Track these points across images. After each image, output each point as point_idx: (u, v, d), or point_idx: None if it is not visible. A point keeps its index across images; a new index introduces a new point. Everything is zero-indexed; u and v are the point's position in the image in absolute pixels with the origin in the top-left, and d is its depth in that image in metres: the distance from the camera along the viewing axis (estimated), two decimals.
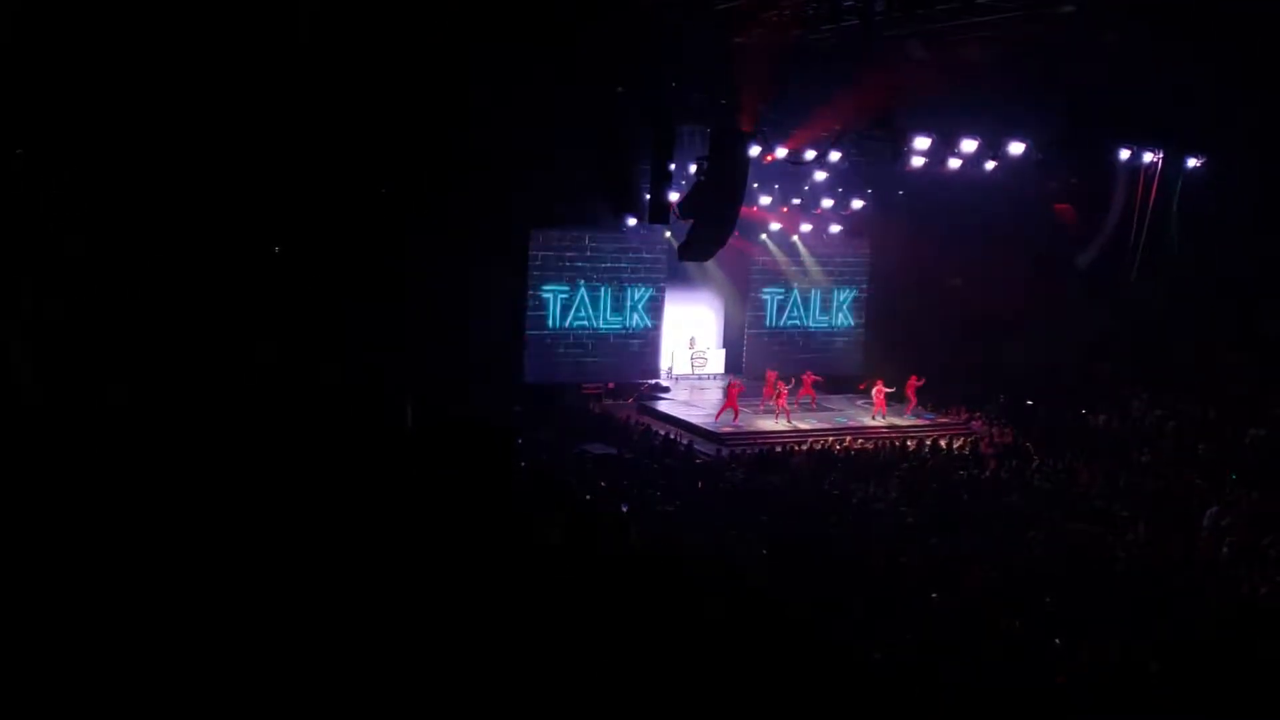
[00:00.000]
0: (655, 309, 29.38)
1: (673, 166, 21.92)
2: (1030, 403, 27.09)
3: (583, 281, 28.31)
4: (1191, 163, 22.83)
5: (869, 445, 23.87)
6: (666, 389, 29.10)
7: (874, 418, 26.66)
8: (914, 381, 27.07)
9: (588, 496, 16.60)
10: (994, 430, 25.81)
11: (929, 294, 29.32)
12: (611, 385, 28.55)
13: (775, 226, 30.09)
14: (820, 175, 26.49)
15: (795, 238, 30.82)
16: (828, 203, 28.53)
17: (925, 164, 22.90)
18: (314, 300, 21.80)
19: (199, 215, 20.06)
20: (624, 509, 15.91)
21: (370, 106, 20.40)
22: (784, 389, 26.30)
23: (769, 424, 25.73)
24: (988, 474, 21.09)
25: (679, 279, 29.79)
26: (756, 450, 22.89)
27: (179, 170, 19.53)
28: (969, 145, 22.07)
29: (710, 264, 28.38)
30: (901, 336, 29.44)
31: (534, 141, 23.01)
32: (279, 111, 19.69)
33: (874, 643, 11.78)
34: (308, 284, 21.91)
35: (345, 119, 20.47)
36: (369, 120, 20.71)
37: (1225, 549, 16.68)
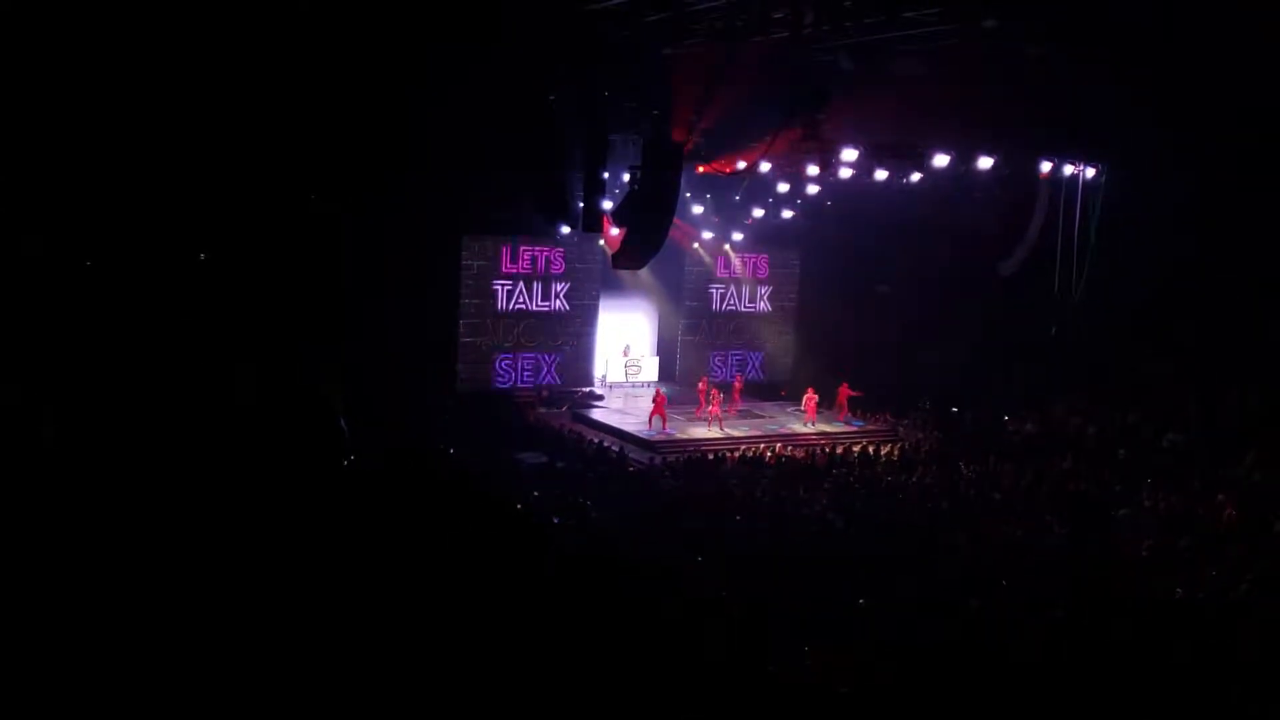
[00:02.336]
0: (589, 317, 29.49)
1: (605, 175, 22.03)
2: (955, 409, 27.60)
3: (517, 289, 28.33)
4: (1107, 175, 23.44)
5: (799, 452, 24.13)
6: (600, 397, 29.15)
7: (805, 425, 26.95)
8: (845, 390, 27.48)
9: (519, 506, 16.55)
10: (920, 436, 26.26)
11: (858, 302, 29.78)
12: (545, 393, 28.55)
13: (708, 235, 30.35)
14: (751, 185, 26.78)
15: (727, 246, 31.12)
16: (759, 212, 28.86)
17: (853, 175, 23.27)
18: (241, 308, 21.47)
19: (122, 219, 19.65)
20: (555, 521, 15.90)
21: (302, 111, 20.19)
22: (717, 396, 26.50)
23: (701, 431, 25.89)
24: (914, 479, 21.44)
25: (613, 287, 29.90)
26: (689, 457, 23.04)
27: (100, 172, 19.13)
28: (895, 156, 22.49)
29: (644, 272, 28.60)
30: (831, 344, 29.88)
31: (467, 148, 22.96)
32: (208, 118, 19.40)
33: (805, 646, 11.93)
34: (235, 292, 21.58)
35: (276, 123, 20.23)
36: (300, 125, 20.49)
37: (1143, 551, 17.14)
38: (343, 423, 16.89)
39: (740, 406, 28.01)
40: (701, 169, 24.74)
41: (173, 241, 20.74)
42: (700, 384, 27.48)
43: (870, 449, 24.26)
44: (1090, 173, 23.09)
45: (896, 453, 24.22)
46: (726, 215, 29.06)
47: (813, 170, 23.78)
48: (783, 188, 26.86)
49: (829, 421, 27.33)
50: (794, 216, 28.83)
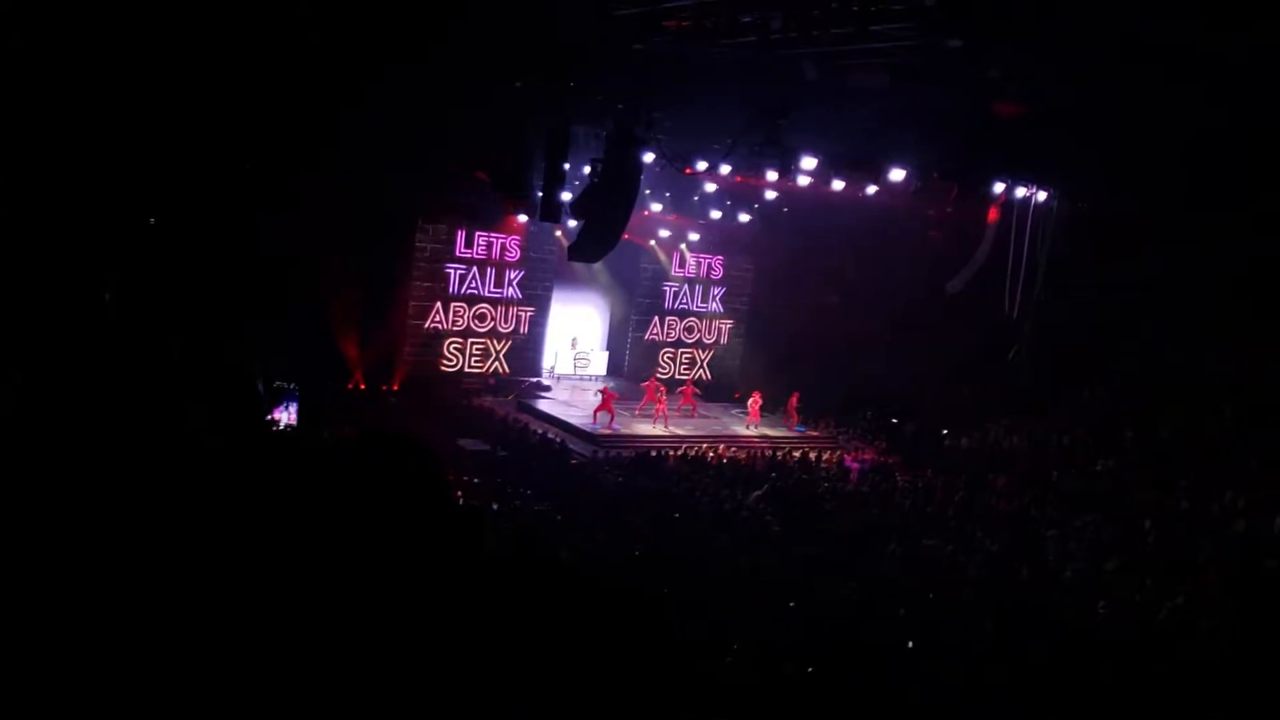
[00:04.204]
0: (541, 307, 29.44)
1: (567, 166, 21.98)
2: (895, 421, 27.94)
3: (470, 274, 28.19)
4: (1059, 199, 23.83)
5: (741, 454, 24.30)
6: (548, 388, 29.11)
7: (748, 427, 27.13)
8: (795, 399, 27.69)
9: (458, 494, 16.49)
10: (860, 445, 26.57)
11: (808, 309, 30.04)
12: (492, 381, 28.47)
13: (664, 234, 30.43)
14: (710, 187, 26.91)
15: (683, 246, 31.25)
16: (716, 214, 29.03)
17: (810, 184, 23.46)
18: (190, 279, 21.21)
19: (71, 179, 19.33)
20: (494, 507, 15.88)
21: (256, 87, 19.94)
22: (664, 394, 26.59)
23: (646, 428, 25.96)
24: (851, 488, 21.68)
25: (566, 278, 29.87)
26: (632, 453, 23.11)
27: (48, 134, 18.80)
28: (852, 168, 22.69)
29: (598, 266, 28.60)
30: (779, 350, 30.11)
31: (428, 131, 22.80)
32: (159, 85, 19.12)
33: (733, 645, 12.02)
34: (184, 260, 21.31)
35: (230, 94, 19.97)
36: (255, 100, 20.24)
37: (1069, 572, 17.48)
38: (260, 388, 16.78)
39: (697, 408, 28.06)
40: (663, 168, 24.76)
41: (122, 206, 20.42)
42: (649, 382, 27.54)
43: (810, 455, 24.49)
44: (1042, 196, 23.45)
45: (836, 460, 24.47)
46: (683, 214, 29.18)
47: (771, 176, 23.92)
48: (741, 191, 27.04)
49: (773, 426, 27.54)
50: (750, 221, 29.05)
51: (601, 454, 23.26)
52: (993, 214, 24.59)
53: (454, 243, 27.92)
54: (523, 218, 27.29)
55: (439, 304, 27.93)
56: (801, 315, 29.99)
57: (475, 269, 28.24)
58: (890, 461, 24.82)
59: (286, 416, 18.61)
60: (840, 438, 27.61)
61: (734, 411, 28.70)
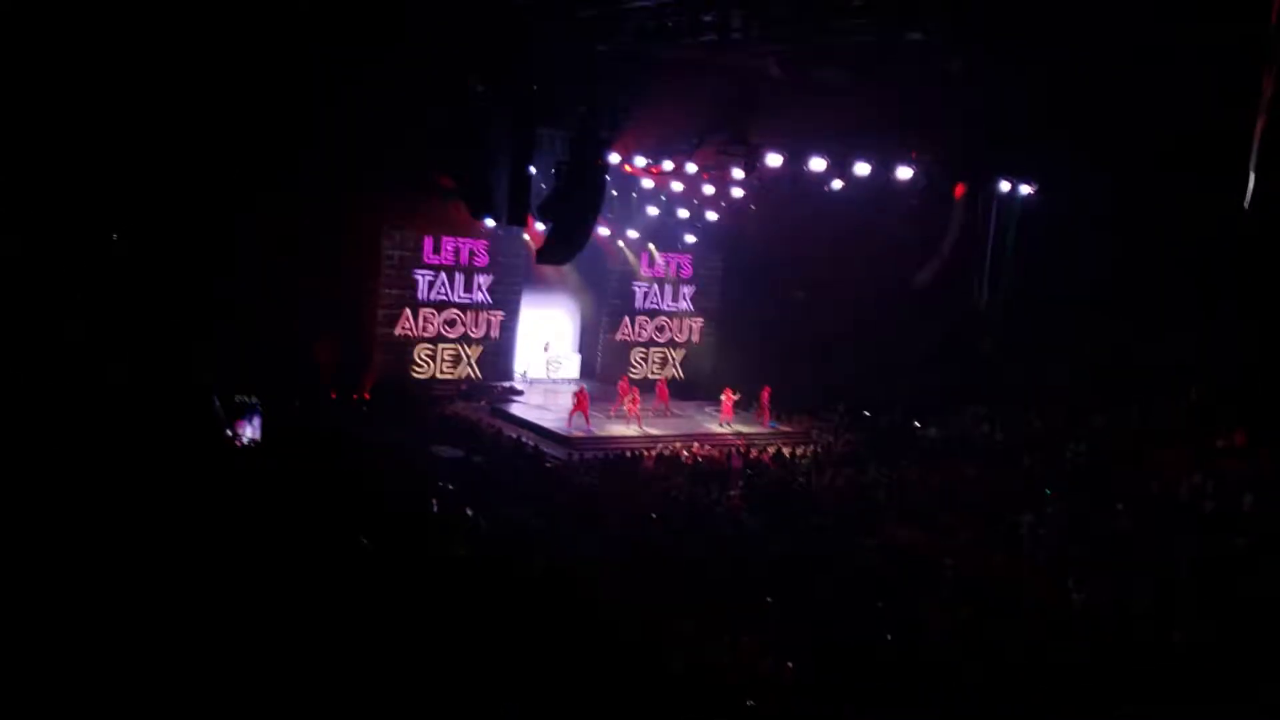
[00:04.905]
0: (511, 311, 29.37)
1: (533, 169, 21.96)
2: (867, 413, 28.03)
3: (439, 280, 28.07)
4: (1025, 189, 24.01)
5: (715, 452, 24.31)
6: (520, 392, 29.04)
7: (721, 425, 27.16)
8: (766, 394, 27.73)
9: (432, 500, 16.46)
10: (833, 439, 26.64)
11: (778, 305, 30.10)
12: (464, 386, 28.37)
13: (633, 234, 30.42)
14: (677, 185, 26.92)
15: (651, 245, 31.23)
16: (683, 213, 29.04)
17: (777, 179, 23.51)
18: (154, 290, 21.05)
19: (32, 198, 19.14)
20: (469, 513, 15.84)
21: (218, 93, 19.82)
22: (637, 395, 26.55)
23: (620, 429, 25.93)
24: (826, 481, 21.74)
25: (536, 282, 29.80)
26: (606, 455, 23.09)
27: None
28: (818, 164, 22.74)
29: (568, 268, 28.56)
30: (751, 345, 30.15)
31: (392, 137, 22.72)
32: (118, 98, 18.97)
33: (714, 643, 12.06)
34: (149, 273, 21.14)
35: (189, 105, 19.83)
36: (218, 108, 20.11)
37: (1043, 557, 17.62)
38: (218, 404, 16.60)
39: (669, 407, 28.06)
40: (629, 169, 24.85)
41: (85, 221, 20.25)
42: (621, 382, 27.53)
43: (785, 451, 24.54)
44: (1005, 186, 23.61)
45: (810, 455, 24.53)
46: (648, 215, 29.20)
47: (737, 174, 23.98)
48: (707, 189, 27.07)
49: (746, 422, 27.57)
50: (718, 218, 29.10)
51: (576, 456, 23.22)
52: (958, 190, 24.68)
53: (421, 248, 27.80)
54: (490, 222, 27.21)
55: (408, 310, 27.82)
56: (771, 311, 30.04)
57: (444, 274, 28.13)
58: (863, 454, 24.84)
59: (250, 431, 18.22)
60: (814, 432, 27.68)
61: (707, 409, 28.71)
